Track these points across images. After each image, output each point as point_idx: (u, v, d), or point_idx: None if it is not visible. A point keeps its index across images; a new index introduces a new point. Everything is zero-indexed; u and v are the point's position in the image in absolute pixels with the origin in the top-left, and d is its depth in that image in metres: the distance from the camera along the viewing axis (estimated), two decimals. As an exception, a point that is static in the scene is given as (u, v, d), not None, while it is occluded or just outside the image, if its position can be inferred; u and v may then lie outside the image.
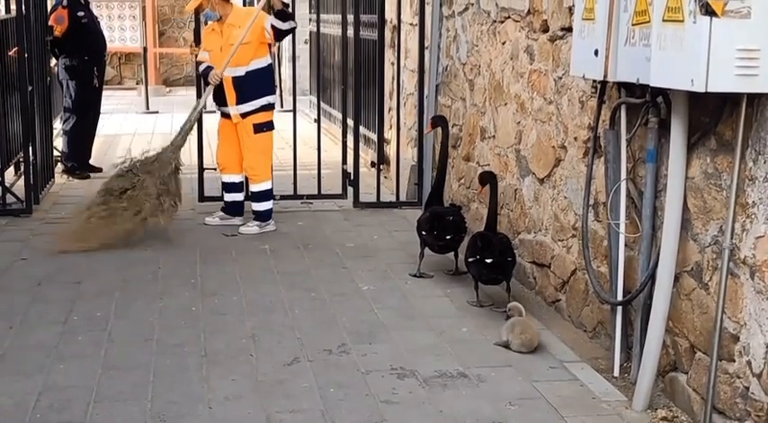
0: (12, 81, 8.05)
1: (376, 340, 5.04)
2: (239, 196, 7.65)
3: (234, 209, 7.65)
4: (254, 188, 7.50)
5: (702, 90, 3.54)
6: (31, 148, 8.02)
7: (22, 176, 8.27)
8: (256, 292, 5.86)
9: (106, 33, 17.71)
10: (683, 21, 3.62)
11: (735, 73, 3.51)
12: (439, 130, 6.90)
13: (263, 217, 7.47)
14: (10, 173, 8.48)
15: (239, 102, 7.28)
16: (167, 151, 7.21)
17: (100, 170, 9.65)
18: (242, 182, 7.65)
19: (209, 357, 4.78)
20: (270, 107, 7.40)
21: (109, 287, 5.91)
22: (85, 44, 9.38)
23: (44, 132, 8.65)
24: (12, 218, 7.72)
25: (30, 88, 7.98)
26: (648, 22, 4.02)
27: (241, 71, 7.24)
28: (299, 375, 4.54)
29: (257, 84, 7.31)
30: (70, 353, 4.82)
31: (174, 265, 6.43)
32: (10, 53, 8.01)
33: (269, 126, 7.41)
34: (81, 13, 9.33)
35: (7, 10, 8.68)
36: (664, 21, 3.76)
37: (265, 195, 7.48)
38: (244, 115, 7.30)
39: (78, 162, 9.57)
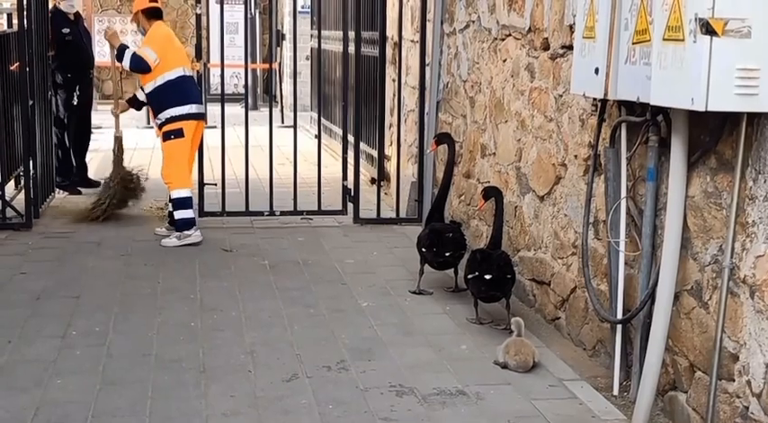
0: (13, 95, 8.07)
1: (375, 357, 5.03)
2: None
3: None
4: (171, 195, 7.61)
5: (702, 109, 3.55)
6: (31, 162, 8.03)
7: (23, 190, 8.27)
8: (255, 307, 5.85)
9: (108, 48, 17.85)
10: (683, 40, 3.63)
11: (735, 92, 3.52)
12: (439, 147, 6.90)
13: (179, 226, 7.48)
14: (10, 186, 8.48)
15: (155, 115, 7.64)
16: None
17: (98, 185, 9.63)
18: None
19: (207, 373, 4.76)
20: (175, 119, 7.51)
21: (108, 302, 5.90)
22: (69, 61, 9.34)
23: (45, 146, 8.66)
24: (11, 232, 7.72)
25: (31, 102, 7.99)
26: (649, 40, 4.03)
27: (149, 87, 7.55)
28: (297, 392, 4.53)
29: (163, 98, 7.52)
30: (68, 367, 4.81)
31: (173, 280, 6.42)
32: (11, 68, 8.02)
33: (177, 133, 7.51)
34: (66, 30, 9.27)
35: (9, 24, 8.72)
36: (664, 40, 3.76)
37: (181, 203, 7.50)
38: (159, 127, 7.60)
39: (66, 177, 9.52)
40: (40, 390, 4.50)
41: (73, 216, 8.25)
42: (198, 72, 8.12)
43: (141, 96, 7.69)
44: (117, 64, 7.74)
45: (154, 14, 7.67)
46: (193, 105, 7.56)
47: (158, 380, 4.66)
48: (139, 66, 7.49)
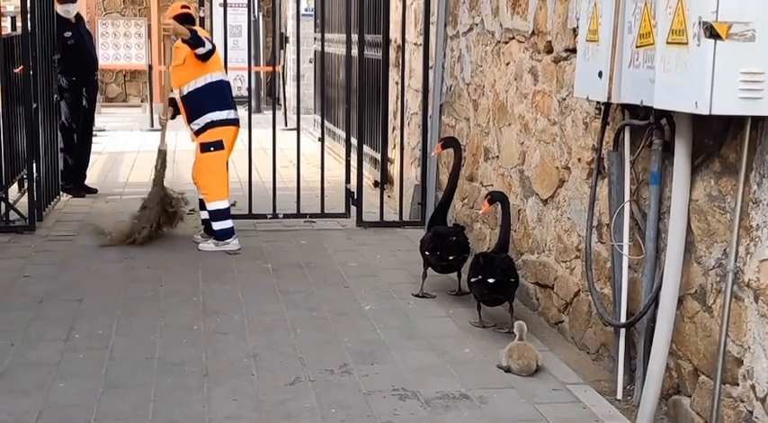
0: (17, 97, 8.07)
1: (378, 360, 5.02)
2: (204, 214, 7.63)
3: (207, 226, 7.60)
4: (208, 207, 7.49)
5: (706, 112, 3.54)
6: (35, 165, 8.03)
7: (26, 193, 8.27)
8: (258, 310, 5.84)
9: (111, 51, 17.89)
10: (687, 43, 3.62)
11: (739, 96, 3.51)
12: (443, 151, 6.89)
13: (219, 236, 7.41)
14: (14, 189, 8.48)
15: (189, 120, 7.41)
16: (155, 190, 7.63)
17: (95, 191, 9.64)
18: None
19: (210, 376, 4.76)
20: (215, 124, 7.32)
21: (110, 305, 5.90)
22: (73, 64, 9.33)
23: (49, 149, 8.66)
24: (15, 235, 7.72)
25: (35, 105, 7.99)
26: (652, 44, 4.03)
27: (185, 91, 7.34)
28: (300, 395, 4.52)
29: (204, 101, 7.32)
30: (71, 371, 4.81)
31: (175, 284, 6.42)
32: (16, 71, 8.03)
33: (217, 146, 7.34)
34: (68, 34, 9.25)
35: (13, 27, 8.72)
36: (668, 43, 3.76)
37: (219, 214, 7.40)
38: (196, 134, 7.41)
39: (71, 181, 9.53)
40: (42, 393, 4.50)
41: (107, 237, 7.56)
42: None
43: (177, 98, 7.44)
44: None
45: (187, 20, 7.37)
46: (231, 111, 7.43)
47: (161, 383, 4.66)
48: (212, 52, 7.25)
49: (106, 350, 5.11)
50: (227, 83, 7.53)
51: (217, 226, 7.40)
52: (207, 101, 7.32)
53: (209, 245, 7.40)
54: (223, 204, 7.42)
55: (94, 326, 5.50)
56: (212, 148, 7.35)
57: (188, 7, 7.56)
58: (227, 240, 7.39)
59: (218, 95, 7.36)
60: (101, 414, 4.28)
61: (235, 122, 7.45)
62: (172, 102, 7.59)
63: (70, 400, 4.44)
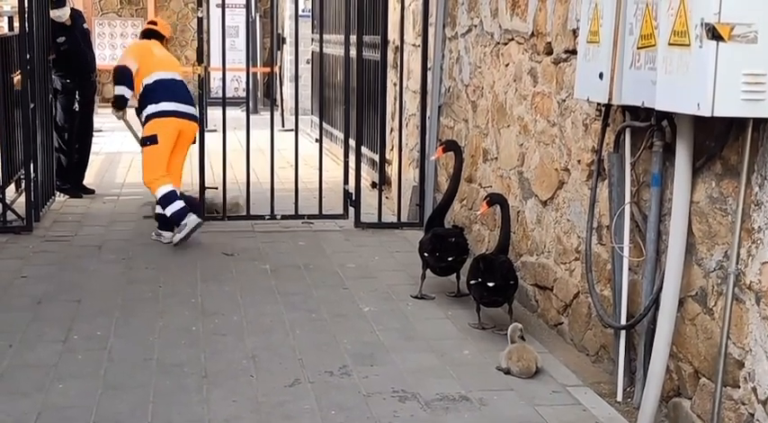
0: (14, 98, 8.05)
1: (377, 362, 5.01)
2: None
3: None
4: (156, 197, 7.61)
5: (709, 114, 3.53)
6: (32, 166, 8.01)
7: (23, 193, 8.25)
8: (257, 311, 5.83)
9: (108, 52, 17.85)
10: (689, 45, 3.62)
11: (741, 97, 3.50)
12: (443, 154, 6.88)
13: (175, 220, 7.47)
14: (11, 190, 8.46)
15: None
16: None
17: (92, 192, 9.61)
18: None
19: (209, 378, 4.74)
20: (148, 118, 7.63)
21: (109, 306, 5.88)
22: (68, 67, 9.30)
23: (46, 149, 8.64)
24: (12, 235, 7.69)
25: (32, 105, 7.97)
26: (654, 45, 4.02)
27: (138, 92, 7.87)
28: (300, 397, 4.51)
29: (143, 99, 7.72)
30: (70, 372, 4.79)
31: (173, 285, 6.40)
32: (14, 81, 7.98)
33: (151, 140, 7.58)
34: (61, 39, 9.20)
35: (10, 27, 8.70)
36: (670, 44, 3.75)
37: (167, 199, 7.48)
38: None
39: (68, 181, 9.50)
40: (41, 394, 4.48)
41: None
42: (199, 76, 8.10)
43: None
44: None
45: (153, 35, 8.05)
46: (171, 103, 7.59)
47: (160, 384, 4.64)
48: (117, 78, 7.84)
49: (105, 351, 5.09)
50: (178, 81, 7.78)
51: (169, 211, 7.47)
52: (147, 97, 7.66)
53: (176, 236, 7.41)
54: (166, 188, 7.50)
55: (93, 327, 5.48)
56: (148, 143, 7.60)
57: (155, 23, 8.20)
58: (184, 221, 7.40)
59: (159, 92, 7.63)
60: (100, 416, 4.26)
61: (173, 114, 7.60)
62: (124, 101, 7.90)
63: (69, 401, 4.42)
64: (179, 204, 7.45)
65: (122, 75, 7.70)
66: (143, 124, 7.69)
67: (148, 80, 7.66)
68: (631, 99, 4.28)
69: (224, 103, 8.37)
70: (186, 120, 7.67)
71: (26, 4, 7.81)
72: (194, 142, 7.85)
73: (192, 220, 7.40)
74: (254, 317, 5.73)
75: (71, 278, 6.51)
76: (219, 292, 6.26)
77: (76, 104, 9.42)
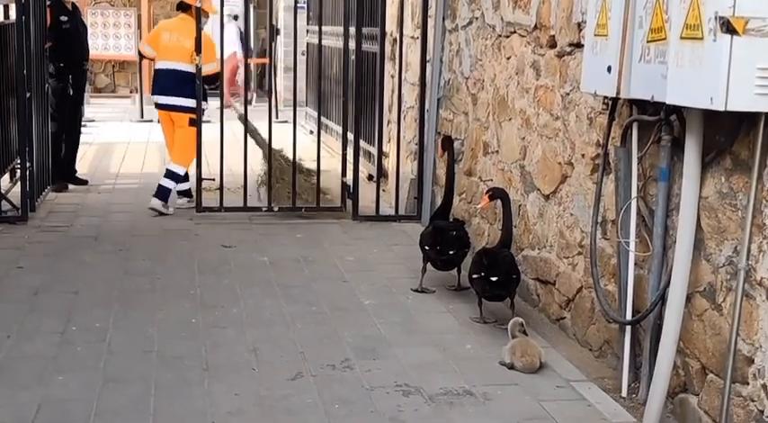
0: (9, 87, 7.97)
1: (380, 356, 4.97)
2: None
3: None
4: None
5: (722, 108, 3.50)
6: (27, 155, 7.93)
7: (18, 183, 8.17)
8: (256, 304, 5.78)
9: (101, 41, 17.73)
10: (702, 38, 3.58)
11: (755, 92, 3.47)
12: (443, 152, 6.86)
13: (161, 192, 8.29)
14: (5, 179, 8.39)
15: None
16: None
17: (85, 183, 9.51)
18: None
19: (210, 371, 4.70)
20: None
21: (107, 297, 5.83)
22: (63, 51, 9.19)
23: (41, 139, 8.56)
24: (7, 225, 7.63)
25: (28, 94, 7.89)
26: (664, 39, 3.99)
27: None
28: (302, 391, 4.47)
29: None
30: (69, 364, 4.74)
31: (172, 277, 6.35)
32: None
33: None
34: (64, 18, 9.16)
35: (6, 16, 8.61)
36: (682, 38, 3.71)
37: (171, 175, 8.37)
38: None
39: (55, 171, 9.39)
40: (41, 387, 4.43)
41: None
42: (197, 66, 8.04)
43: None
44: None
45: (181, 8, 8.63)
46: (159, 97, 8.43)
47: (161, 377, 4.60)
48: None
49: (104, 343, 5.04)
50: (172, 71, 8.29)
51: (163, 182, 8.26)
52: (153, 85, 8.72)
53: (155, 201, 8.21)
54: (180, 170, 8.39)
55: (91, 318, 5.43)
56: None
57: None
58: (165, 201, 8.23)
59: (156, 82, 8.56)
60: (101, 409, 4.22)
61: (159, 107, 8.47)
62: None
63: (69, 393, 4.38)
64: (172, 185, 8.29)
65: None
66: None
67: (157, 66, 8.53)
68: (640, 93, 4.24)
69: (221, 95, 8.31)
70: (165, 111, 8.43)
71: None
72: (192, 125, 8.27)
73: (173, 205, 8.33)
74: (254, 309, 5.68)
75: (68, 269, 6.45)
76: (218, 284, 6.21)
77: (70, 89, 9.30)
